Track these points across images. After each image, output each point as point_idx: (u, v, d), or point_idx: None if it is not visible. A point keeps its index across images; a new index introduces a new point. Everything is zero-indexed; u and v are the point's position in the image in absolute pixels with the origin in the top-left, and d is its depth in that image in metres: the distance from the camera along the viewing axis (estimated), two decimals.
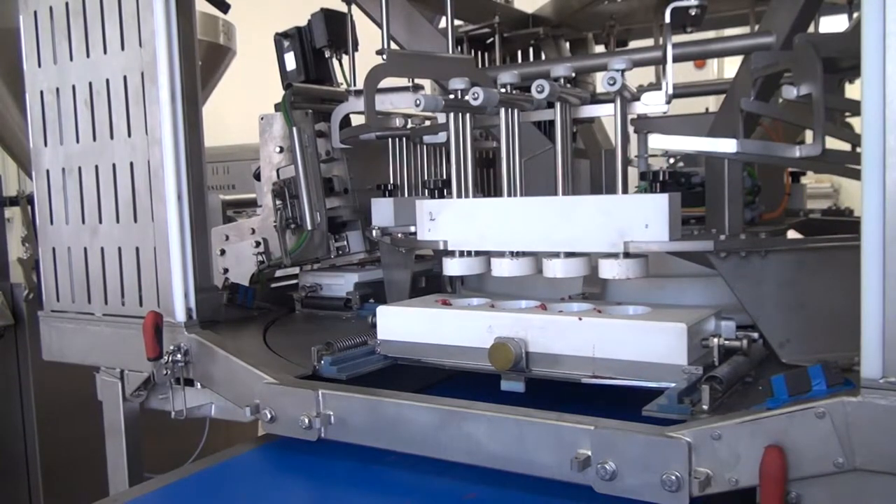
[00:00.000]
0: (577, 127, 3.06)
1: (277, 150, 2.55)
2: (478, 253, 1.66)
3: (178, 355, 1.97)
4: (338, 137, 2.50)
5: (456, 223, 1.66)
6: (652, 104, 1.54)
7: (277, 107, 2.52)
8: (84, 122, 2.22)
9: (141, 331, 1.96)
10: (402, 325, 1.71)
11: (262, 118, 2.57)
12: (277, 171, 2.54)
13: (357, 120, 2.57)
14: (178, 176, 2.05)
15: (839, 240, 1.59)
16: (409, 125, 2.35)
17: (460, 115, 1.67)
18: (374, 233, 2.23)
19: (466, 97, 1.57)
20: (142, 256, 2.13)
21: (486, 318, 1.60)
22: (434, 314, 1.69)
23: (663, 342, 1.42)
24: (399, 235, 2.09)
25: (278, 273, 2.79)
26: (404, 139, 2.37)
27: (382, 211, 2.25)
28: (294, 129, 2.44)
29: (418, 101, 1.59)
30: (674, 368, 1.41)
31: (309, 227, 2.44)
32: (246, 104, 3.82)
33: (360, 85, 2.32)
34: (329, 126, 2.53)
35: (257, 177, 2.61)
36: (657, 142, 1.60)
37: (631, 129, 2.07)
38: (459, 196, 1.69)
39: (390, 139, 2.37)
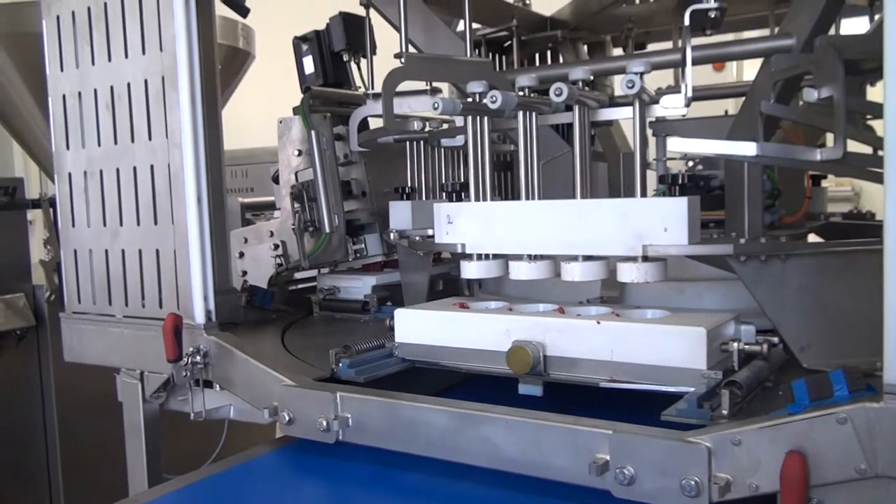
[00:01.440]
0: (595, 130, 3.05)
1: (296, 153, 2.55)
2: (495, 256, 1.66)
3: (198, 357, 1.98)
4: (356, 141, 2.50)
5: (474, 226, 1.66)
6: (671, 107, 1.53)
7: (296, 110, 2.53)
8: (105, 125, 2.24)
9: (161, 333, 1.97)
10: (419, 328, 1.72)
11: (280, 121, 2.57)
12: (296, 174, 2.54)
13: (375, 123, 2.58)
14: (197, 179, 2.06)
15: (861, 243, 1.58)
16: (427, 128, 2.37)
17: (478, 118, 1.68)
18: (391, 236, 2.24)
19: (484, 100, 1.58)
20: (162, 259, 2.15)
21: (504, 322, 1.60)
22: (452, 317, 1.69)
23: (682, 346, 1.41)
24: (417, 238, 2.09)
25: (296, 275, 2.79)
26: (422, 142, 2.38)
27: (400, 214, 2.26)
28: (312, 133, 2.44)
29: (436, 105, 1.59)
30: (693, 373, 1.40)
31: (327, 230, 2.45)
32: (265, 107, 3.87)
33: (378, 88, 2.34)
34: (347, 129, 2.54)
35: (276, 180, 2.61)
36: (676, 145, 1.59)
37: (649, 132, 2.06)
38: (477, 199, 1.69)
39: (408, 142, 2.38)
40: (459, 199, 1.80)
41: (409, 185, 2.36)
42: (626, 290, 1.88)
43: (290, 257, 2.54)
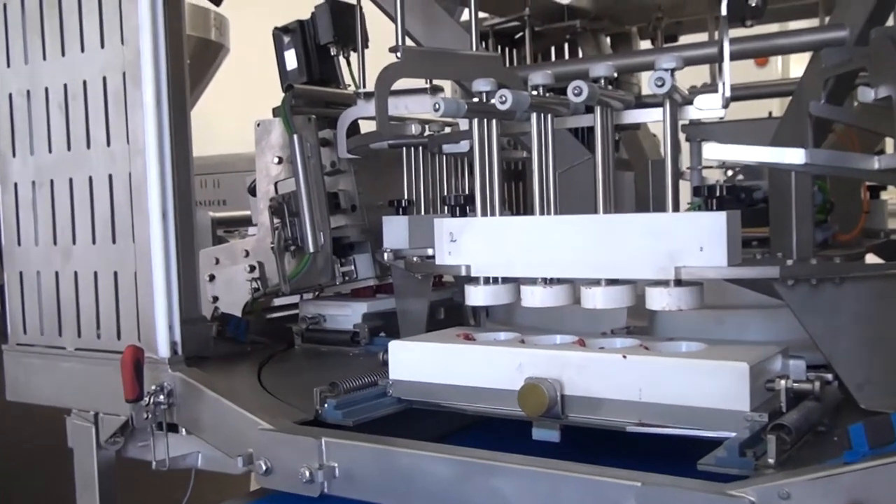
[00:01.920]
0: (619, 134, 3.07)
1: (275, 160, 2.56)
2: (505, 280, 1.66)
3: (161, 396, 1.97)
4: (345, 146, 2.50)
5: (480, 245, 1.66)
6: (706, 108, 1.54)
7: (276, 111, 2.53)
8: (58, 129, 2.25)
9: (118, 368, 1.96)
10: (417, 362, 1.71)
11: (258, 124, 2.58)
12: (275, 184, 2.55)
13: (367, 127, 2.58)
14: (163, 190, 2.05)
15: None
16: (427, 133, 2.37)
17: (485, 121, 1.69)
18: (385, 256, 2.24)
19: (492, 100, 1.59)
20: (120, 282, 2.14)
21: (516, 356, 1.60)
22: (455, 350, 1.69)
23: (722, 384, 1.41)
24: (414, 259, 2.09)
25: (275, 302, 2.79)
26: (421, 149, 2.38)
27: (395, 231, 2.26)
28: (295, 137, 2.45)
29: (437, 106, 1.60)
30: (734, 415, 1.40)
31: (311, 250, 2.45)
32: (240, 108, 3.84)
33: (370, 87, 2.32)
34: (335, 134, 2.54)
35: (252, 191, 2.62)
36: (713, 151, 1.60)
37: (682, 136, 2.06)
38: (485, 214, 1.70)
39: (405, 149, 2.38)
40: (464, 214, 1.80)
41: (406, 197, 2.36)
42: (656, 319, 1.88)
43: (269, 281, 2.53)
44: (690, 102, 1.56)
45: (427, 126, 2.42)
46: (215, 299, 2.58)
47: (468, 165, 2.77)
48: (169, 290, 2.07)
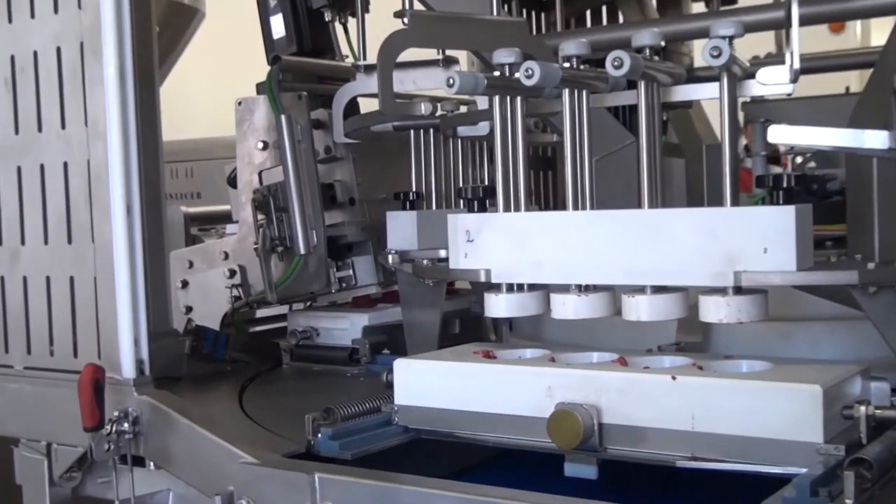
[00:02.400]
0: (668, 114, 3.05)
1: (260, 145, 2.56)
2: (532, 287, 1.65)
3: (125, 424, 1.98)
4: (342, 129, 2.50)
5: (503, 246, 1.65)
6: (771, 83, 1.53)
7: (260, 88, 2.53)
8: (4, 108, 2.26)
9: (75, 391, 1.96)
10: (428, 385, 1.71)
11: (239, 103, 2.58)
12: (260, 174, 2.54)
13: (368, 106, 2.57)
14: (127, 181, 2.06)
15: None
16: (439, 112, 2.36)
17: (508, 98, 1.68)
18: (390, 259, 2.23)
19: (517, 74, 1.57)
20: (77, 290, 2.15)
21: (545, 377, 1.58)
22: (472, 370, 1.68)
23: (790, 411, 1.40)
24: (425, 262, 2.09)
25: (260, 313, 2.79)
26: (432, 132, 2.37)
27: (402, 229, 2.25)
28: (282, 118, 2.44)
29: (451, 80, 1.60)
30: (805, 447, 1.39)
31: (302, 251, 2.44)
32: (218, 84, 3.89)
33: (371, 58, 2.29)
34: (330, 114, 2.54)
35: (232, 182, 2.62)
36: (779, 134, 1.59)
37: (742, 116, 2.05)
38: (508, 209, 1.68)
39: (413, 132, 2.37)
40: (483, 209, 1.80)
41: (414, 189, 2.35)
42: (711, 333, 1.87)
43: (252, 288, 2.54)
44: (752, 76, 1.55)
45: (439, 105, 2.40)
46: (189, 310, 2.58)
47: (488, 151, 2.76)
48: (134, 298, 2.07)
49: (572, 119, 1.63)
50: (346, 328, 2.52)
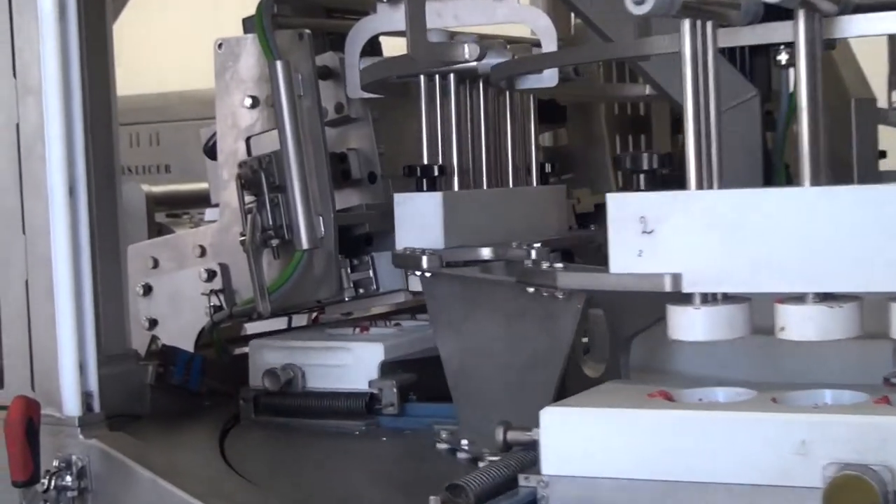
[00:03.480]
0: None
1: (247, 102, 2.51)
2: (726, 297, 1.53)
3: (68, 477, 2.00)
4: (358, 80, 2.46)
5: (700, 238, 1.52)
6: None
7: (249, 24, 2.49)
8: None
9: (1, 432, 1.98)
10: (599, 444, 1.57)
11: (219, 45, 2.53)
12: (248, 141, 2.50)
13: (394, 49, 2.51)
14: (69, 150, 2.05)
15: None
16: (490, 59, 2.31)
17: (699, 24, 1.54)
18: (425, 262, 2.15)
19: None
20: (3, 297, 2.18)
21: (794, 427, 1.46)
22: (668, 420, 1.55)
23: None
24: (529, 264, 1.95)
25: (248, 328, 2.76)
26: (481, 84, 2.38)
27: (418, 218, 2.23)
28: (278, 65, 2.38)
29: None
30: None
31: (304, 245, 2.37)
32: (191, 22, 3.81)
33: None
34: (342, 59, 2.50)
35: (211, 152, 2.58)
36: None
37: None
38: (701, 186, 1.54)
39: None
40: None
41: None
42: None
43: (238, 295, 2.49)
44: None
45: (488, 48, 2.32)
46: (153, 324, 2.56)
47: (549, 113, 2.72)
48: (79, 309, 2.06)
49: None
50: (348, 364, 2.36)
